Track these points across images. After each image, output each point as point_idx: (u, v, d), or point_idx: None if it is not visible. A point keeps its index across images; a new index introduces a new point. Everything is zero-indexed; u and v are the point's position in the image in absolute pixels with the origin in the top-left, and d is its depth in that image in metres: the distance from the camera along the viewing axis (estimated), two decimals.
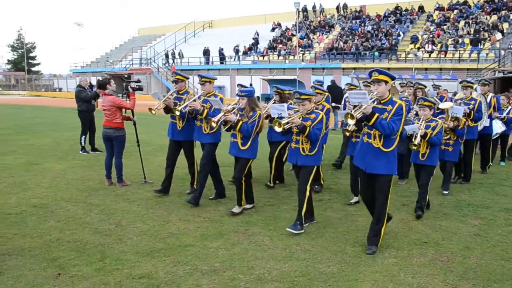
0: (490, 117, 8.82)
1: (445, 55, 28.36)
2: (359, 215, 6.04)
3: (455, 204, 6.67)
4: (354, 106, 4.65)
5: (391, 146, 4.76)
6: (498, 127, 9.37)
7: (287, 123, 5.25)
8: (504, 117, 9.41)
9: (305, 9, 41.80)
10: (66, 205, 6.42)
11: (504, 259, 4.64)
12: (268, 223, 5.71)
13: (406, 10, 36.17)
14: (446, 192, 7.20)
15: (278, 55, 36.07)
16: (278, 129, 5.21)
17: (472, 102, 7.94)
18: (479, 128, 8.36)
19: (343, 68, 30.43)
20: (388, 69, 28.39)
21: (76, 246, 4.92)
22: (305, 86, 26.66)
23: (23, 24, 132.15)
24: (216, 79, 7.11)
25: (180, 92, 6.85)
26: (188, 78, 7.10)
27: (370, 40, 32.55)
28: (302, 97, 5.34)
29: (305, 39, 36.91)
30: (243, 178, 6.10)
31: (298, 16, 34.90)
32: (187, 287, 4.00)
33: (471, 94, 8.06)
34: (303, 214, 5.39)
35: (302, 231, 5.35)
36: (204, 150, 6.59)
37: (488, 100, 8.67)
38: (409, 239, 5.20)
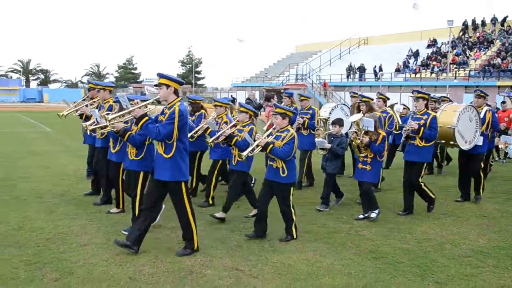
0: (484, 135, 7.72)
1: None
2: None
3: None
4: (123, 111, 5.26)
5: (171, 151, 4.90)
6: None
7: (97, 124, 5.89)
8: None
9: (465, 24, 41.10)
10: None
11: None
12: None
13: None
14: (374, 216, 6.61)
15: (431, 73, 36.42)
16: (88, 130, 6.07)
17: (424, 117, 6.88)
18: (467, 147, 7.43)
19: (499, 86, 29.60)
20: None
21: None
22: None
23: (193, 41, 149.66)
24: (113, 86, 7.09)
25: (105, 101, 7.07)
26: (100, 86, 7.27)
27: None
28: (132, 102, 5.36)
29: (460, 56, 36.59)
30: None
31: (451, 34, 34.90)
32: None
33: (425, 107, 7.02)
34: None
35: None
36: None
37: (482, 114, 7.70)
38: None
